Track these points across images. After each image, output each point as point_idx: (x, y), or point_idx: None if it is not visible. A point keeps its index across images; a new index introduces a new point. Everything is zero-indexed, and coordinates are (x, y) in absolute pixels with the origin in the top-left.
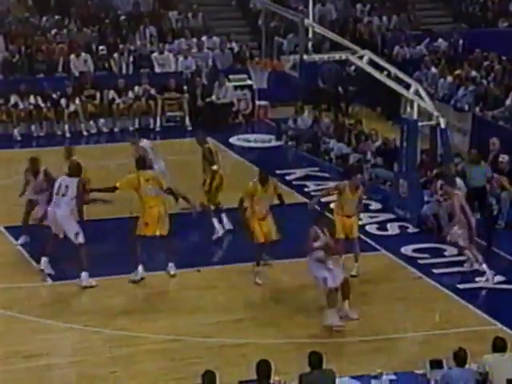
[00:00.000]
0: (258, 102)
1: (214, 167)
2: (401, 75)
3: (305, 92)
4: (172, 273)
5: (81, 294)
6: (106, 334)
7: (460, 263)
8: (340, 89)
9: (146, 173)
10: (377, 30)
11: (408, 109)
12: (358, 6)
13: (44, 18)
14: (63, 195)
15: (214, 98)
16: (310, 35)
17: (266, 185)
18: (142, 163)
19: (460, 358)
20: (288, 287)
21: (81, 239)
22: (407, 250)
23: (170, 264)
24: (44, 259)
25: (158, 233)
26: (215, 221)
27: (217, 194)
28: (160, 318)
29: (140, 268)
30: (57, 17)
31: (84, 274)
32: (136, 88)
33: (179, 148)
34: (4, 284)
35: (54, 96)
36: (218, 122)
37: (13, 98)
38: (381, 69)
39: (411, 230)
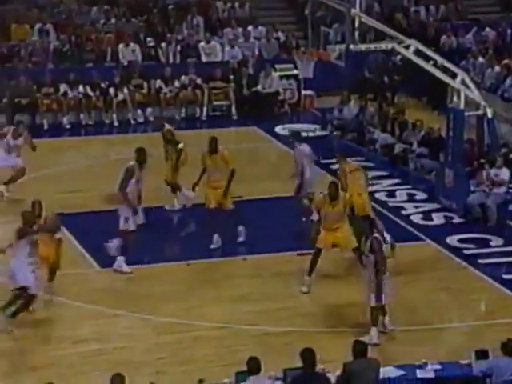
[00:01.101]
0: (303, 92)
1: (180, 145)
2: (447, 65)
3: (350, 82)
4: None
5: (129, 281)
6: (154, 321)
7: (506, 253)
8: (386, 78)
9: None
10: (424, 20)
11: (455, 98)
12: None
13: (94, 8)
14: None
15: (259, 87)
16: (357, 25)
17: (335, 201)
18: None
19: (508, 348)
20: (333, 276)
21: (131, 226)
22: (452, 240)
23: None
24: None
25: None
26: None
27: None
28: (206, 306)
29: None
30: (106, 7)
31: (120, 259)
32: (183, 77)
33: (225, 137)
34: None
35: (103, 85)
36: (263, 112)
37: (62, 87)
38: (427, 58)
39: (456, 219)
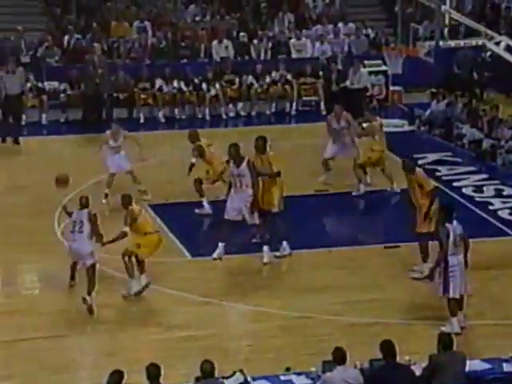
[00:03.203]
0: (391, 88)
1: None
2: None
3: (439, 78)
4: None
5: (217, 270)
6: (242, 309)
7: None
8: (475, 74)
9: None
10: None
11: None
12: None
13: (191, 6)
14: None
15: (348, 83)
16: (447, 21)
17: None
18: None
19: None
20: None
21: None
22: None
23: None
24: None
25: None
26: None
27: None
28: (292, 296)
29: (284, 243)
30: (202, 5)
31: (221, 245)
32: (273, 73)
33: (314, 132)
34: (148, 259)
35: (196, 80)
36: (352, 107)
37: (158, 82)
38: None
39: None
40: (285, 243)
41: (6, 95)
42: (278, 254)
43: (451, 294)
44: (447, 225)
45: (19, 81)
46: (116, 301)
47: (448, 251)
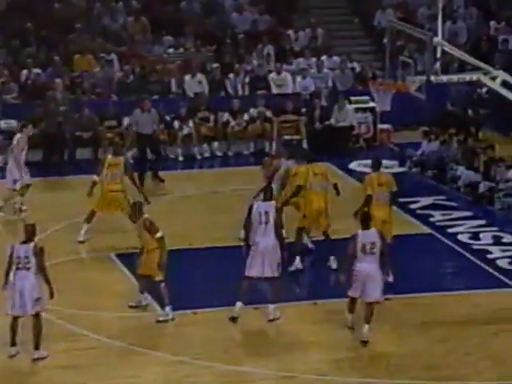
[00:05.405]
0: (380, 126)
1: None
2: None
3: (431, 115)
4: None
5: (191, 326)
6: (217, 369)
7: None
8: (470, 111)
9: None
10: None
11: None
12: (492, 23)
13: (164, 38)
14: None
15: (333, 120)
16: (439, 55)
17: None
18: None
19: None
20: (411, 324)
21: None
22: None
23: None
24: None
25: None
26: None
27: None
28: (273, 353)
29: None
30: (169, 37)
31: (168, 308)
32: (251, 110)
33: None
34: (118, 313)
35: (168, 118)
36: (337, 147)
37: (125, 120)
38: None
39: None
40: (168, 308)
41: None
42: (161, 318)
43: (350, 293)
44: (358, 231)
45: None
46: (81, 361)
47: (356, 255)
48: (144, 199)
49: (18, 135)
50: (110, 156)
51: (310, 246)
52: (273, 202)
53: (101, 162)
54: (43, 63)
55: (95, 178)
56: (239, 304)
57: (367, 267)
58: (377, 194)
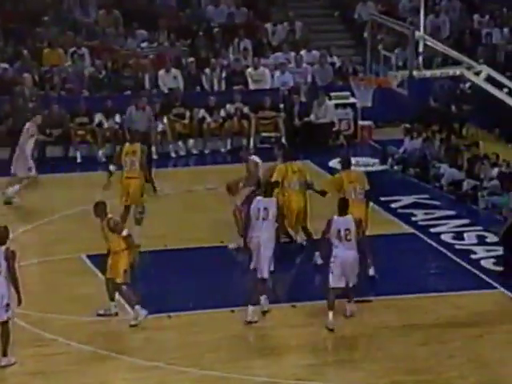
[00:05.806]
0: (361, 122)
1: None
2: None
3: (414, 111)
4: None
5: (165, 330)
6: (194, 374)
7: None
8: (453, 108)
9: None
10: (497, 43)
11: None
12: (476, 16)
13: (137, 32)
14: (263, 219)
15: (312, 117)
16: (421, 49)
17: None
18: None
19: None
20: (393, 326)
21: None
22: None
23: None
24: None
25: None
26: None
27: None
28: (251, 358)
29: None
30: (143, 31)
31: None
32: (228, 106)
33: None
34: (89, 317)
35: None
36: (316, 144)
37: (97, 117)
38: (500, 86)
39: None
40: (137, 307)
41: None
42: (133, 322)
43: (332, 284)
44: (334, 216)
45: None
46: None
47: (332, 242)
48: (153, 189)
49: (28, 124)
50: (127, 144)
51: (299, 240)
52: (273, 199)
53: (117, 152)
54: (11, 57)
55: (111, 167)
56: (251, 308)
57: (344, 254)
58: (348, 192)
